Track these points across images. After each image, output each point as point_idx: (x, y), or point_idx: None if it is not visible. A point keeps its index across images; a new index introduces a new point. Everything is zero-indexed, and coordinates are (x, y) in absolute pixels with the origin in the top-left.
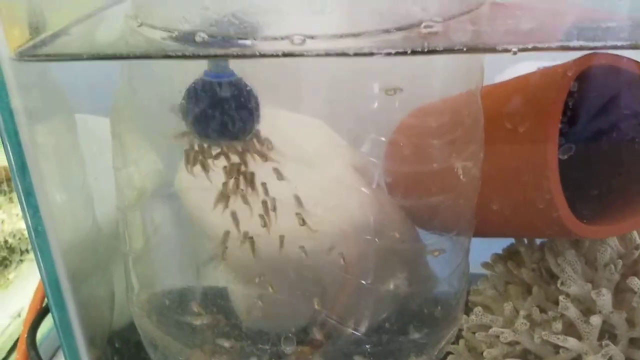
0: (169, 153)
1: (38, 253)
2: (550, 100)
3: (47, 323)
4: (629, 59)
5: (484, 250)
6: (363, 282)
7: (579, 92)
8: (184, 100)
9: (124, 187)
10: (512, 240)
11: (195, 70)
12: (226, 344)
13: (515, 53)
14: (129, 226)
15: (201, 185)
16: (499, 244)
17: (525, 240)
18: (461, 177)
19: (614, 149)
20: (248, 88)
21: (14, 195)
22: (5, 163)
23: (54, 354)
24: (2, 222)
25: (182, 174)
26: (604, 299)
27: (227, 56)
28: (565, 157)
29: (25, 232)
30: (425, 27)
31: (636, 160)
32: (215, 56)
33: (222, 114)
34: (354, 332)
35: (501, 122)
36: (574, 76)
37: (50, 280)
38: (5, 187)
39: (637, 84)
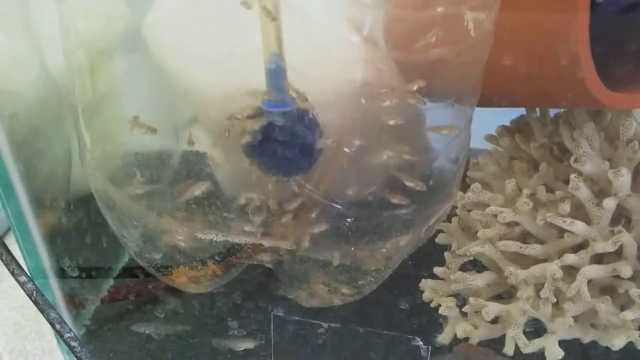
0: None
1: None
2: None
3: None
4: None
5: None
6: (348, 151)
7: None
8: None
9: (69, 25)
10: (521, 111)
11: None
12: (201, 211)
13: None
14: (77, 72)
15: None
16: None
17: (537, 112)
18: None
19: None
20: (310, 117)
21: None
22: None
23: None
24: None
25: (152, 15)
26: (623, 179)
27: None
28: None
29: None
30: None
31: None
32: None
33: (281, 151)
34: (334, 204)
35: None
36: None
37: None
38: None
39: None
